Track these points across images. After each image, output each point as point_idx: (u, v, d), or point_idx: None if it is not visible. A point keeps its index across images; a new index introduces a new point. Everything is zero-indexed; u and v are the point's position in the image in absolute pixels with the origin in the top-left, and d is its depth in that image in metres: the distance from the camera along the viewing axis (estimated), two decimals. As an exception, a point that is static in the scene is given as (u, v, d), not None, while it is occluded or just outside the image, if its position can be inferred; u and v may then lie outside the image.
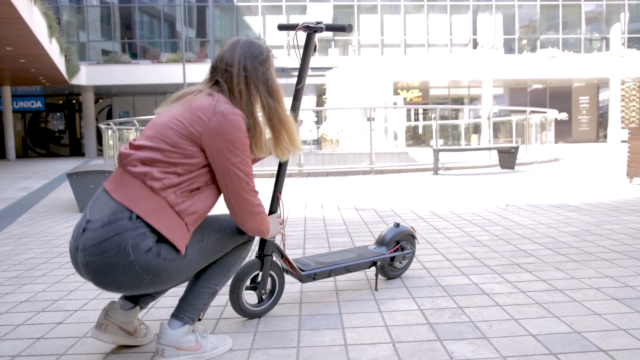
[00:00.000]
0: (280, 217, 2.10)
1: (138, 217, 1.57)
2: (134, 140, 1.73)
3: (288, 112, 1.90)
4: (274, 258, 2.17)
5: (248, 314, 2.13)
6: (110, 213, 1.58)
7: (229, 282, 2.04)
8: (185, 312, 1.76)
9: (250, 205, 1.75)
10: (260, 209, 1.80)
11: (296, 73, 2.18)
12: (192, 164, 1.66)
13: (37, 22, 12.99)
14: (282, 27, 2.38)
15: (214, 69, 1.82)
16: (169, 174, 1.63)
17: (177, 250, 1.64)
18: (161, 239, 1.61)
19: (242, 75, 1.77)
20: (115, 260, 1.55)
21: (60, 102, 27.14)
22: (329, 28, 2.19)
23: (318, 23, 2.16)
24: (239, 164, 1.70)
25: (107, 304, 1.82)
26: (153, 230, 1.59)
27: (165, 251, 1.61)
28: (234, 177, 1.70)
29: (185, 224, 1.64)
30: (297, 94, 2.18)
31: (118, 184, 1.65)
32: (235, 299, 2.08)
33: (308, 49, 2.18)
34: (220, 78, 1.79)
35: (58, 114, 27.37)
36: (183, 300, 1.78)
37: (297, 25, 2.17)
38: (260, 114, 1.83)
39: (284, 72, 25.42)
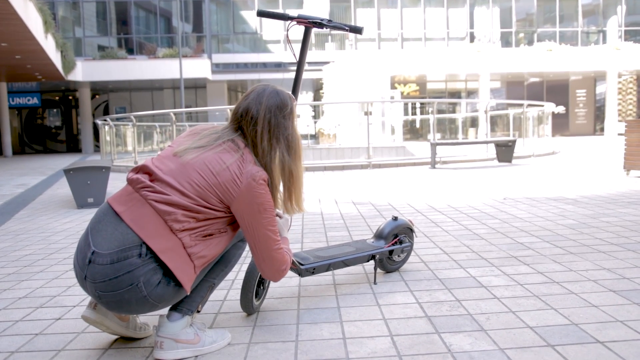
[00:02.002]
0: (288, 222, 2.14)
1: (147, 253, 1.59)
2: (152, 162, 1.72)
3: (302, 170, 1.90)
4: None
5: (253, 311, 2.14)
6: (119, 248, 1.58)
7: (241, 278, 2.04)
8: (184, 304, 1.77)
9: (278, 263, 1.79)
10: (286, 267, 1.82)
11: (293, 68, 2.21)
12: (213, 216, 1.69)
13: (32, 18, 12.92)
14: (282, 17, 2.31)
15: (236, 120, 1.80)
16: (190, 219, 1.65)
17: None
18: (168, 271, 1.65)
19: (266, 130, 1.78)
20: (128, 296, 1.59)
21: (57, 98, 27.06)
22: (336, 27, 2.21)
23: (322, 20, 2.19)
24: (268, 225, 1.74)
25: None
26: (161, 264, 1.62)
27: (175, 279, 1.65)
28: (262, 237, 1.74)
29: (193, 266, 1.66)
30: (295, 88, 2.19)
31: (134, 212, 1.63)
32: (250, 298, 2.07)
33: (306, 43, 2.18)
34: (245, 129, 1.78)
35: (54, 110, 27.29)
36: (182, 293, 1.79)
37: (297, 17, 2.17)
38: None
39: (281, 66, 25.37)
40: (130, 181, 1.70)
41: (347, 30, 2.22)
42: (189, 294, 1.73)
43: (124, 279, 1.56)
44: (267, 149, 1.78)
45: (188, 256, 1.64)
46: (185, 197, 1.64)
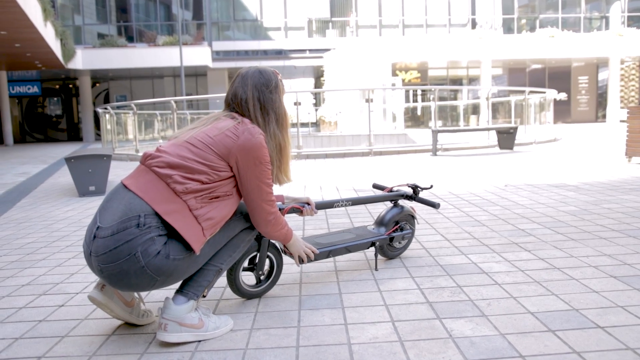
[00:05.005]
0: (311, 203, 2.26)
1: (146, 223, 1.63)
2: (160, 146, 1.82)
3: (289, 141, 2.01)
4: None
5: (246, 294, 2.15)
6: (120, 219, 1.63)
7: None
8: (190, 288, 1.79)
9: (265, 214, 1.88)
10: (274, 217, 1.90)
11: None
12: (216, 175, 1.75)
13: (31, 6, 12.84)
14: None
15: (228, 105, 1.94)
16: (193, 181, 1.71)
17: (186, 249, 1.69)
18: (170, 238, 1.67)
19: (257, 107, 1.91)
20: (127, 266, 1.61)
21: (57, 86, 26.97)
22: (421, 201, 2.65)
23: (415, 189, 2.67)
24: (263, 177, 1.84)
25: None
26: (162, 235, 1.65)
27: (174, 252, 1.66)
28: (256, 189, 1.83)
29: (201, 228, 1.71)
30: None
31: (139, 180, 1.73)
32: (233, 280, 2.09)
33: None
34: (239, 111, 1.91)
35: (55, 98, 27.20)
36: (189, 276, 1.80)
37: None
38: None
39: (281, 54, 25.25)
40: (141, 160, 1.80)
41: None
42: (190, 276, 1.77)
43: (122, 249, 1.60)
44: (262, 122, 1.91)
45: (195, 218, 1.69)
46: (185, 159, 1.74)
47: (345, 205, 2.48)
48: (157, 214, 1.65)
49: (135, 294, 1.92)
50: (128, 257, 1.60)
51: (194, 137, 1.80)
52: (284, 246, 2.17)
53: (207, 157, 1.75)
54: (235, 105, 1.92)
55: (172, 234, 1.68)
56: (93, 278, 2.57)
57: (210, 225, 1.73)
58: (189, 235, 1.67)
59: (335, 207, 2.44)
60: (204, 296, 1.86)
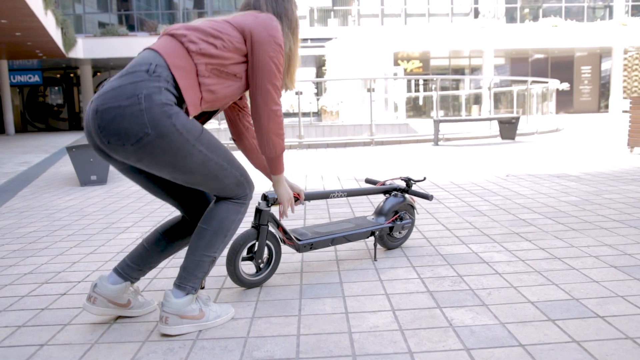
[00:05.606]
0: (301, 194, 2.20)
1: (156, 71, 1.61)
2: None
3: (298, 51, 2.00)
4: (270, 228, 2.18)
5: (246, 283, 2.16)
6: (131, 65, 1.64)
7: (225, 253, 2.05)
8: (188, 281, 1.77)
9: (270, 100, 1.81)
10: (278, 111, 1.84)
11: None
12: (230, 44, 1.74)
13: (31, -6, 12.78)
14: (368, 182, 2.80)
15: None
16: (207, 43, 1.70)
17: (186, 130, 1.63)
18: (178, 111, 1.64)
19: (270, 11, 1.90)
20: (125, 104, 1.56)
21: (58, 75, 26.90)
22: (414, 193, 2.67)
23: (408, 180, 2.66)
24: (275, 58, 1.80)
25: (97, 278, 1.84)
26: (171, 93, 1.62)
27: (178, 121, 1.61)
28: (266, 68, 1.79)
29: (201, 97, 1.69)
30: None
31: (155, 43, 1.73)
32: (232, 270, 2.10)
33: None
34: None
35: (56, 87, 27.14)
36: (184, 269, 1.78)
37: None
38: None
39: (305, 41, 25.06)
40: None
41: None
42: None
43: (126, 89, 1.58)
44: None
45: (198, 85, 1.68)
46: (201, 26, 1.74)
47: (341, 196, 2.48)
48: (168, 69, 1.63)
49: (131, 288, 1.89)
50: (130, 97, 1.57)
51: (211, 19, 1.82)
52: (280, 231, 2.18)
53: (224, 27, 1.75)
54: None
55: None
56: (95, 266, 2.58)
57: (209, 98, 1.71)
58: (188, 95, 1.64)
59: (331, 197, 2.44)
60: (202, 287, 1.86)
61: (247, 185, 1.85)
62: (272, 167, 1.96)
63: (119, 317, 1.92)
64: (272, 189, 2.12)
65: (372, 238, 2.73)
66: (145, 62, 1.63)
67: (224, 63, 1.73)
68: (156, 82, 1.59)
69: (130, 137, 1.57)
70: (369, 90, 10.48)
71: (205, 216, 1.82)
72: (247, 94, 2.03)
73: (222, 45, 1.72)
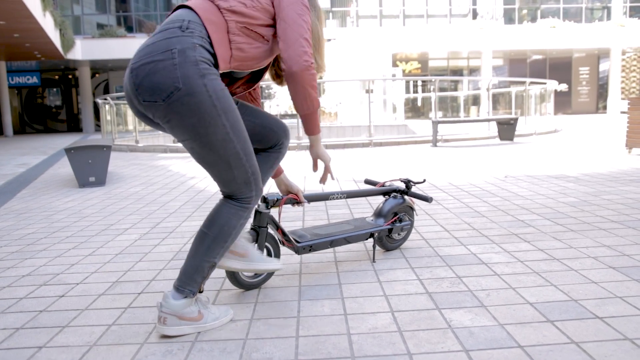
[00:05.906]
0: (300, 195, 2.22)
1: (189, 27, 1.62)
2: None
3: (324, 34, 1.99)
4: (269, 230, 2.18)
5: (245, 285, 2.16)
6: (164, 23, 1.67)
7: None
8: (187, 285, 1.76)
9: (302, 51, 1.74)
10: (313, 66, 1.77)
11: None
12: (258, 3, 1.74)
13: (30, -5, 12.77)
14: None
15: None
16: (237, 1, 1.71)
17: (218, 96, 1.63)
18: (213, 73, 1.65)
19: None
20: (159, 58, 1.58)
21: (56, 77, 26.89)
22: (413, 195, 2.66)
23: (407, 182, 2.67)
24: (303, 16, 1.78)
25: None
26: (206, 50, 1.62)
27: (210, 83, 1.61)
28: (296, 23, 1.76)
29: (230, 55, 1.69)
30: None
31: (189, 1, 1.74)
32: (232, 272, 2.09)
33: None
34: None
35: (54, 89, 27.14)
36: (184, 272, 1.78)
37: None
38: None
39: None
40: None
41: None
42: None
43: (160, 45, 1.60)
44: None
45: (229, 42, 1.68)
46: None
47: (340, 198, 2.48)
48: (202, 25, 1.64)
49: (240, 248, 1.95)
50: (164, 52, 1.58)
51: None
52: (279, 233, 2.18)
53: None
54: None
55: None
56: (93, 268, 2.58)
57: (238, 57, 1.70)
58: (219, 50, 1.65)
59: (330, 199, 2.44)
60: (201, 291, 1.86)
61: (254, 186, 1.80)
62: (309, 125, 1.89)
63: (118, 318, 1.92)
64: (271, 191, 2.12)
65: (371, 239, 2.73)
66: (178, 19, 1.65)
67: (253, 22, 1.73)
68: (190, 38, 1.61)
69: (162, 91, 1.58)
70: (367, 91, 10.49)
71: (207, 218, 1.82)
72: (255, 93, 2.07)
73: (251, 4, 1.73)
